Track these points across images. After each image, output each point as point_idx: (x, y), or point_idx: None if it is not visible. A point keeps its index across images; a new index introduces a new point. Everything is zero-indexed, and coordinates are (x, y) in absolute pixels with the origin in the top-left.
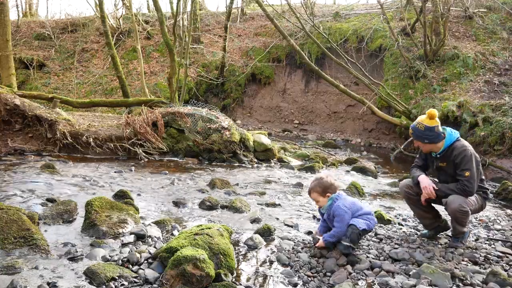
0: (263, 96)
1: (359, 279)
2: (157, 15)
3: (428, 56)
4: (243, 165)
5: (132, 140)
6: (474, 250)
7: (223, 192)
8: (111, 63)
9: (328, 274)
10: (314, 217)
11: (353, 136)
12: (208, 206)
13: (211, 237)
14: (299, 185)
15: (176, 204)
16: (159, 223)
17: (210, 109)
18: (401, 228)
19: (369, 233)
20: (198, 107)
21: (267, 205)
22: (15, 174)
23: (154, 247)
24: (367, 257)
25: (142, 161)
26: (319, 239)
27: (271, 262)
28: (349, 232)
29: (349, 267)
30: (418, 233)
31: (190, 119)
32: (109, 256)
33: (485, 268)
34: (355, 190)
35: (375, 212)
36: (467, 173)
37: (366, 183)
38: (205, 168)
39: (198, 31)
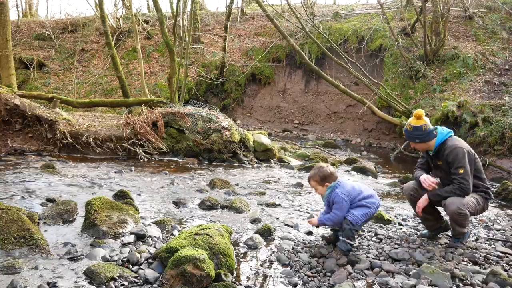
0: (263, 96)
1: (359, 279)
2: (157, 15)
3: (428, 56)
4: (243, 165)
5: (132, 140)
6: (474, 250)
7: (223, 192)
8: (111, 63)
9: (328, 274)
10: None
11: (353, 136)
12: (208, 206)
13: (211, 237)
14: (299, 185)
15: (176, 204)
16: (159, 223)
17: (210, 109)
18: (401, 228)
19: (369, 233)
20: (198, 107)
21: (267, 205)
22: (15, 174)
23: (154, 247)
24: (367, 257)
25: (142, 161)
26: (315, 216)
27: (271, 262)
28: (345, 228)
29: (349, 267)
30: (418, 233)
31: (190, 119)
32: (109, 256)
33: (485, 268)
34: None
35: None
36: (461, 170)
37: (366, 183)
38: (205, 168)
39: (198, 31)
